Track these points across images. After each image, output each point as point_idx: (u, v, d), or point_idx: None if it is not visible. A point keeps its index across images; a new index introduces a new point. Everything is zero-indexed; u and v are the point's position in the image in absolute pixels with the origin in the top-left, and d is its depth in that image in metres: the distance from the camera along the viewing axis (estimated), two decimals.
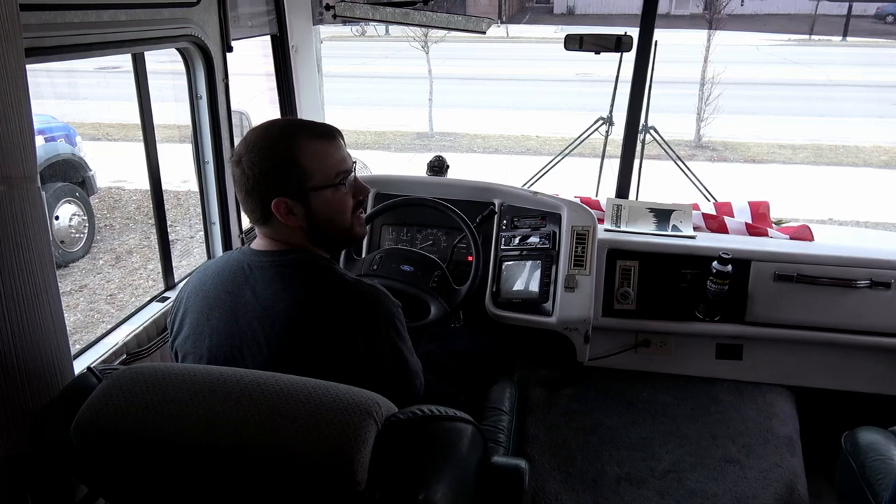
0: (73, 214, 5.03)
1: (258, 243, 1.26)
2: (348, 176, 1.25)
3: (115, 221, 6.01)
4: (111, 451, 0.93)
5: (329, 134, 1.24)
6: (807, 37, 17.39)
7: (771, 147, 9.00)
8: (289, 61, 2.42)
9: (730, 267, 2.05)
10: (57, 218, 4.89)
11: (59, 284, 1.12)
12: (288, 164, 1.19)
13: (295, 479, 0.87)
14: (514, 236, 2.18)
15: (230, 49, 1.94)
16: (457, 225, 2.00)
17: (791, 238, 2.41)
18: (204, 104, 1.92)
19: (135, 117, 1.76)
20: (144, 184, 1.85)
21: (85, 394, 0.96)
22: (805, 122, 10.01)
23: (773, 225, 2.55)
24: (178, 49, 1.83)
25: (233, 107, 2.02)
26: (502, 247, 2.18)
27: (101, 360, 1.54)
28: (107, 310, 4.51)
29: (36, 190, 1.04)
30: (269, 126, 1.25)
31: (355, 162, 1.30)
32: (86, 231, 5.16)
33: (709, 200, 2.77)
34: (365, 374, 1.15)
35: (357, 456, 0.84)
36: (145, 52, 1.69)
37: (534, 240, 2.15)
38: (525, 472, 1.08)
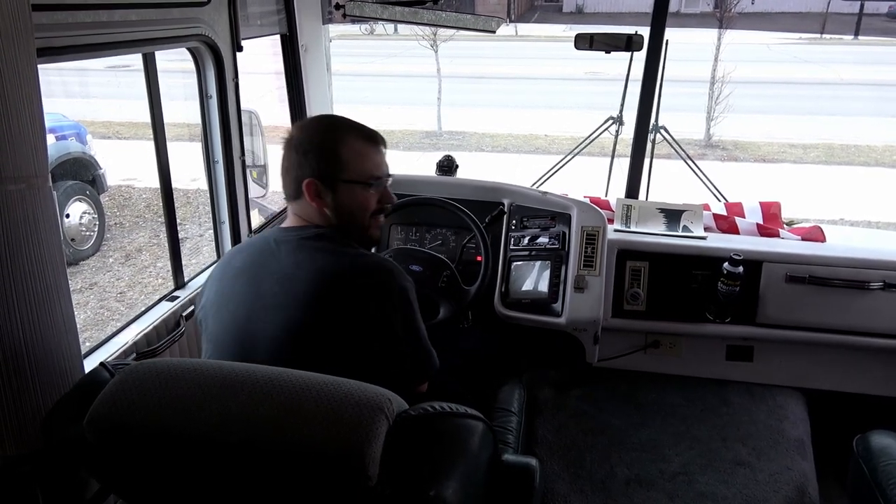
0: (84, 212, 5.06)
1: (286, 222, 1.38)
2: (379, 180, 1.37)
3: (124, 219, 6.03)
4: (124, 445, 0.94)
5: (374, 139, 1.37)
6: (818, 35, 17.26)
7: (782, 146, 8.92)
8: (298, 60, 2.41)
9: (741, 268, 2.04)
10: (67, 216, 4.92)
11: (70, 282, 1.12)
12: (328, 153, 1.32)
13: (307, 474, 0.87)
14: (524, 236, 2.18)
15: (240, 48, 1.94)
16: (466, 225, 1.99)
17: (803, 239, 2.39)
18: (214, 103, 1.92)
19: (145, 116, 1.77)
20: (154, 182, 1.86)
21: (97, 389, 0.96)
22: (816, 122, 9.91)
23: (785, 226, 2.53)
24: (189, 49, 1.83)
25: (242, 106, 2.03)
26: (511, 247, 2.17)
27: (111, 358, 1.54)
28: (116, 307, 4.53)
29: (48, 189, 1.04)
30: (325, 117, 1.43)
31: (391, 175, 1.41)
32: (96, 229, 5.19)
33: (719, 201, 2.75)
34: (378, 340, 1.24)
35: (368, 451, 0.84)
36: (156, 52, 1.70)
37: (543, 240, 2.15)
38: (536, 470, 1.08)
